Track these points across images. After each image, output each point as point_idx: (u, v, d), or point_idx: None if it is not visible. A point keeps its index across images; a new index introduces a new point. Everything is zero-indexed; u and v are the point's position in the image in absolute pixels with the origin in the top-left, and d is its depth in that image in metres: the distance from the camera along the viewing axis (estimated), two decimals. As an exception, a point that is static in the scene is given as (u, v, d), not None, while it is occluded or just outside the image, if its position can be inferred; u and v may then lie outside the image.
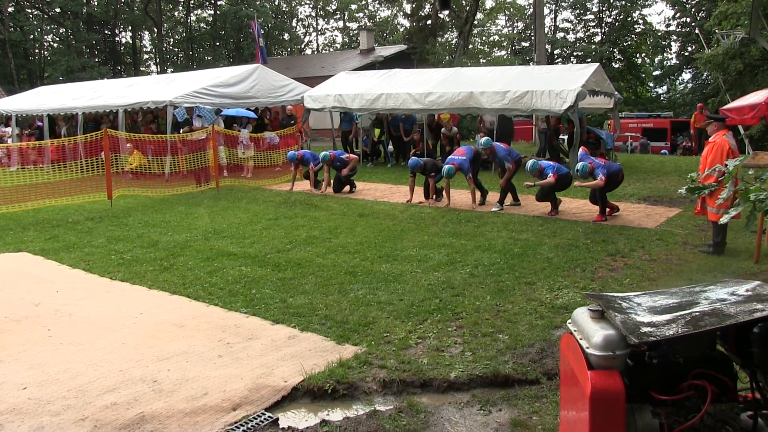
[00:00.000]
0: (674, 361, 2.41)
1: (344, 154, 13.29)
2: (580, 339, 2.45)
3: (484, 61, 39.30)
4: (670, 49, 45.20)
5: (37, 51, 48.74)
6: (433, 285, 6.41)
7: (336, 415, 4.03)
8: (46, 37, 48.98)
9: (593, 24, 45.74)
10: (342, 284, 6.51)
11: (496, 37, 50.33)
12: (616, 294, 2.72)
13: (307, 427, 3.83)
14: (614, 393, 2.22)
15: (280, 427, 3.85)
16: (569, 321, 2.63)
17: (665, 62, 46.66)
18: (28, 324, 5.69)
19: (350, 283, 6.56)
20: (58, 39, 49.01)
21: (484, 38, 50.01)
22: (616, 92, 17.07)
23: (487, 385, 4.29)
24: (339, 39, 59.63)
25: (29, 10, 46.25)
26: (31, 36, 46.78)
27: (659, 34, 43.84)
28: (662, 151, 24.67)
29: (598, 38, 44.96)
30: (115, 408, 4.03)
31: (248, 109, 17.69)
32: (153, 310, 5.95)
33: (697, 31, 32.25)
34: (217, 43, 52.89)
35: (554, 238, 8.28)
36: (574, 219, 9.46)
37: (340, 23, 59.01)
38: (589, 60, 35.61)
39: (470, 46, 40.16)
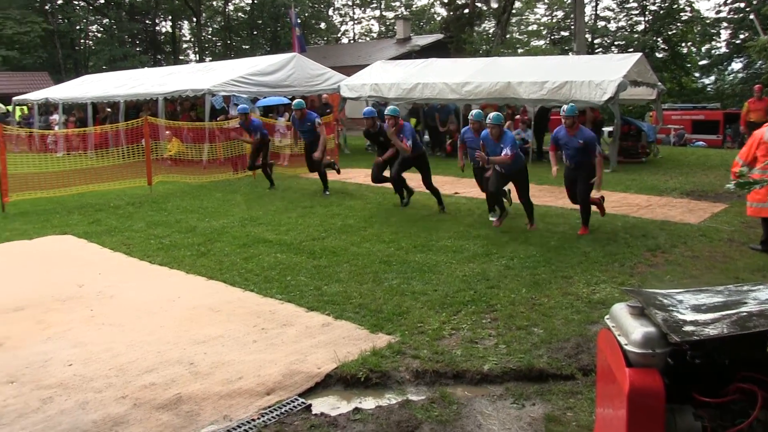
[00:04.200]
0: (719, 363, 2.33)
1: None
2: (619, 335, 2.41)
3: (521, 50, 38.82)
4: (719, 37, 43.67)
5: (82, 41, 49.66)
6: (467, 276, 6.38)
7: (368, 403, 4.05)
8: (90, 27, 49.96)
9: (636, 12, 44.67)
10: (376, 273, 6.52)
11: (535, 26, 49.60)
12: (656, 291, 2.67)
13: (340, 414, 3.86)
14: (653, 391, 2.19)
15: (313, 413, 3.89)
16: (607, 316, 2.60)
17: (713, 51, 45.21)
18: (73, 304, 5.84)
19: (385, 272, 6.57)
20: (102, 29, 50.01)
21: (522, 27, 49.33)
22: (659, 83, 16.64)
23: (520, 378, 4.26)
24: (375, 28, 59.46)
25: (76, 2, 47.18)
26: (78, 27, 47.75)
27: (708, 21, 42.50)
28: (700, 144, 24.00)
29: (641, 27, 43.90)
30: (153, 388, 4.12)
31: (285, 97, 17.80)
32: (190, 294, 6.05)
33: (752, 17, 30.99)
34: (255, 32, 53.19)
35: (592, 231, 8.17)
36: (613, 212, 9.31)
37: (377, 12, 58.81)
38: (631, 50, 34.81)
39: (508, 36, 39.64)
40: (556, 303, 5.57)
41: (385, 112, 9.81)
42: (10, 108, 26.64)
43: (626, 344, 2.31)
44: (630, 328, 2.34)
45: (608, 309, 2.60)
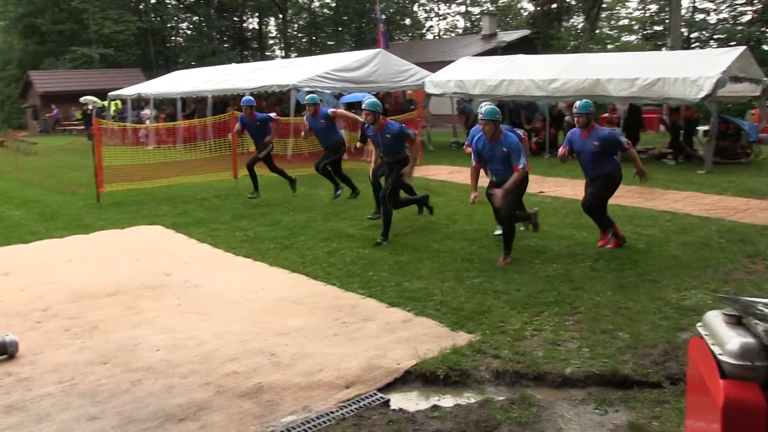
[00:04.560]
0: None
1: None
2: (712, 344, 2.27)
3: (611, 46, 37.58)
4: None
5: (173, 38, 51.74)
6: (551, 277, 6.24)
7: (447, 401, 4.02)
8: (181, 25, 52.01)
9: (742, 2, 42.10)
10: (458, 271, 6.47)
11: (626, 21, 47.93)
12: (756, 299, 2.51)
13: (418, 411, 3.85)
14: (752, 407, 2.05)
15: (391, 408, 3.89)
16: (699, 324, 2.47)
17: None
18: (161, 292, 6.08)
19: (467, 270, 6.52)
20: (191, 26, 51.94)
21: (612, 22, 47.78)
22: (766, 78, 15.60)
23: (604, 383, 4.13)
24: (461, 24, 58.95)
25: (168, 1, 49.23)
26: (169, 24, 49.88)
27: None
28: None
29: (746, 18, 41.36)
30: (235, 376, 4.23)
31: (369, 93, 17.92)
32: (273, 286, 6.18)
33: None
34: (340, 29, 53.88)
35: (683, 235, 7.83)
36: (707, 215, 8.89)
37: (462, 8, 58.30)
38: (733, 43, 33.04)
39: (597, 31, 38.52)
40: (642, 308, 5.37)
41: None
42: (105, 103, 28.07)
43: (721, 354, 2.18)
44: (726, 338, 2.20)
45: (699, 316, 2.47)
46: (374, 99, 8.44)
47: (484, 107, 6.80)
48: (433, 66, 21.80)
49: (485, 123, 6.69)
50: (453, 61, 20.87)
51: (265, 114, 11.33)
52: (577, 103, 7.16)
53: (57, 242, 8.34)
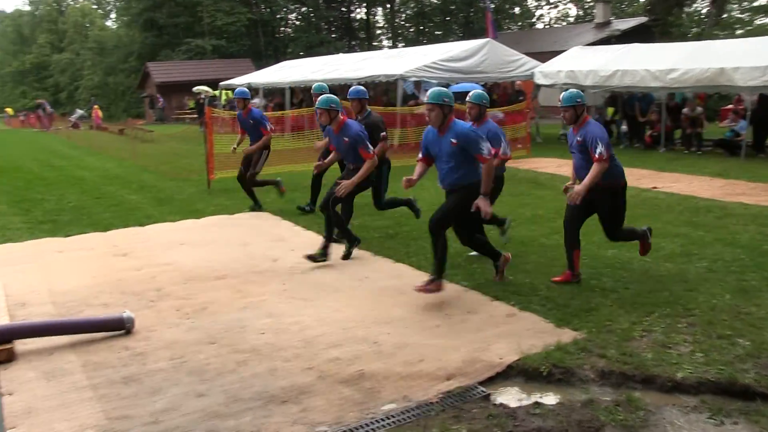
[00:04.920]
0: None
1: None
2: None
3: (741, 31, 35.18)
4: None
5: (282, 29, 53.21)
6: (663, 276, 5.96)
7: (549, 398, 3.92)
8: (290, 15, 53.35)
9: None
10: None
11: (763, 1, 44.47)
12: None
13: (519, 407, 3.78)
14: None
15: (492, 402, 3.84)
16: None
17: None
18: (268, 277, 6.28)
19: (572, 266, 6.31)
20: (300, 17, 53.20)
21: (745, 3, 44.62)
22: None
23: (720, 392, 3.89)
24: (572, 12, 57.21)
25: (278, -8, 50.61)
26: (278, 15, 51.28)
27: None
28: None
29: None
30: (337, 362, 4.31)
31: (477, 84, 17.72)
32: (376, 275, 6.24)
33: None
34: (447, 18, 53.50)
35: (813, 236, 7.26)
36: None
37: (574, -5, 56.53)
38: None
39: (725, 15, 36.15)
40: (766, 313, 5.02)
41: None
42: (217, 93, 29.27)
43: None
44: None
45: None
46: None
47: (430, 89, 5.68)
48: (543, 56, 21.27)
49: (431, 108, 5.38)
50: (564, 51, 20.27)
51: (261, 116, 9.66)
52: (563, 94, 5.75)
53: (170, 226, 8.80)
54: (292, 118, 19.66)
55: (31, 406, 3.83)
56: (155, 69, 41.51)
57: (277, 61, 34.33)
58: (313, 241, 7.75)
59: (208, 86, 30.92)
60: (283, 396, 3.88)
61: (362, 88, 7.61)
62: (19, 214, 9.80)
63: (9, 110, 53.98)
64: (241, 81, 26.59)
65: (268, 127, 9.53)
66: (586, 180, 5.52)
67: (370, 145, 6.71)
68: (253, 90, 25.46)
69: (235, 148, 10.15)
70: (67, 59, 58.12)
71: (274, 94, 25.39)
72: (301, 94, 23.15)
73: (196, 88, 31.13)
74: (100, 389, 4.02)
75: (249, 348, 4.60)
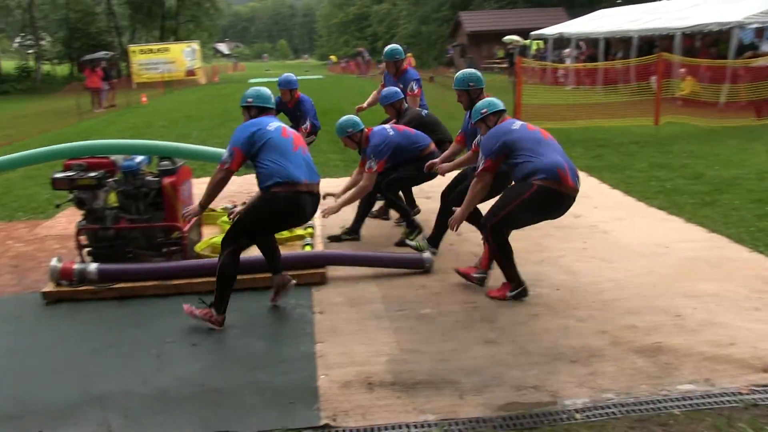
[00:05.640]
0: None
1: None
2: None
3: None
4: None
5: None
6: None
7: None
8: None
9: None
10: None
11: None
12: None
13: None
14: None
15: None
16: None
17: None
18: (568, 233, 6.12)
19: None
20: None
21: None
22: None
23: None
24: None
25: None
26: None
27: None
28: None
29: None
30: (633, 330, 4.05)
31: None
32: (686, 245, 5.70)
33: None
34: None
35: None
36: None
37: None
38: None
39: None
40: None
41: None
42: (527, 42, 28.89)
43: None
44: None
45: None
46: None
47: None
48: None
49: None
50: None
51: (310, 104, 7.43)
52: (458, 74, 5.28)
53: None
54: (606, 70, 18.68)
55: (336, 327, 4.29)
56: (467, 18, 42.39)
57: (592, 10, 32.74)
58: (619, 200, 7.38)
59: (519, 36, 30.68)
60: (572, 355, 3.77)
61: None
62: (337, 152, 10.72)
63: (333, 57, 61.01)
64: (552, 31, 25.97)
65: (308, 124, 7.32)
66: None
67: None
68: (565, 40, 24.77)
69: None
70: (385, 9, 62.74)
71: (586, 45, 24.32)
72: (620, 46, 21.84)
73: (506, 38, 31.11)
74: (396, 321, 4.33)
75: (542, 302, 4.55)
